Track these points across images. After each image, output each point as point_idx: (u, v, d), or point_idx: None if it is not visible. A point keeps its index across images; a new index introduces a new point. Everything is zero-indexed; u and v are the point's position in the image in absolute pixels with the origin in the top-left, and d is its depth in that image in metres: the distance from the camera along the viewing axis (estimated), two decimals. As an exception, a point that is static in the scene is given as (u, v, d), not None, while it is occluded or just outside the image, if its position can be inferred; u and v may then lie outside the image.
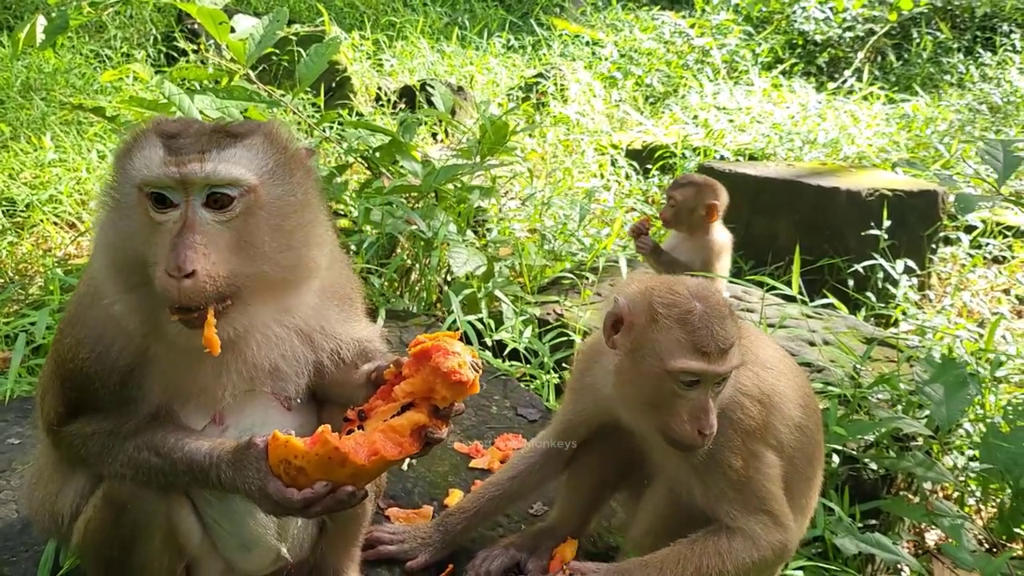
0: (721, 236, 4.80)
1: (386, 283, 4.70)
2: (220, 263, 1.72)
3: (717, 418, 2.13)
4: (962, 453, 3.87)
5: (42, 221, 6.07)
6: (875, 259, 5.68)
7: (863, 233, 5.87)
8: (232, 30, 4.95)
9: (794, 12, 12.55)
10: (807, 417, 2.38)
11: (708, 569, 2.19)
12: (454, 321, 4.12)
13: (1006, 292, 6.33)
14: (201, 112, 4.77)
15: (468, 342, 4.09)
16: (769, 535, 2.23)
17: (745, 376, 2.25)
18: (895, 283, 5.72)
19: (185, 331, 1.75)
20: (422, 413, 1.86)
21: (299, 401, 2.10)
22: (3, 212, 6.09)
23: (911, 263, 5.81)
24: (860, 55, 11.98)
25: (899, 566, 3.51)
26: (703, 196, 4.67)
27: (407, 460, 3.24)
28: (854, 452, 3.53)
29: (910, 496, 3.73)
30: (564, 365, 4.20)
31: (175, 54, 9.58)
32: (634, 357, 2.15)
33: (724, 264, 4.79)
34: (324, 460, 1.77)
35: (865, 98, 10.59)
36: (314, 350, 2.04)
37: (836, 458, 3.44)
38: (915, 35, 12.30)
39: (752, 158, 8.19)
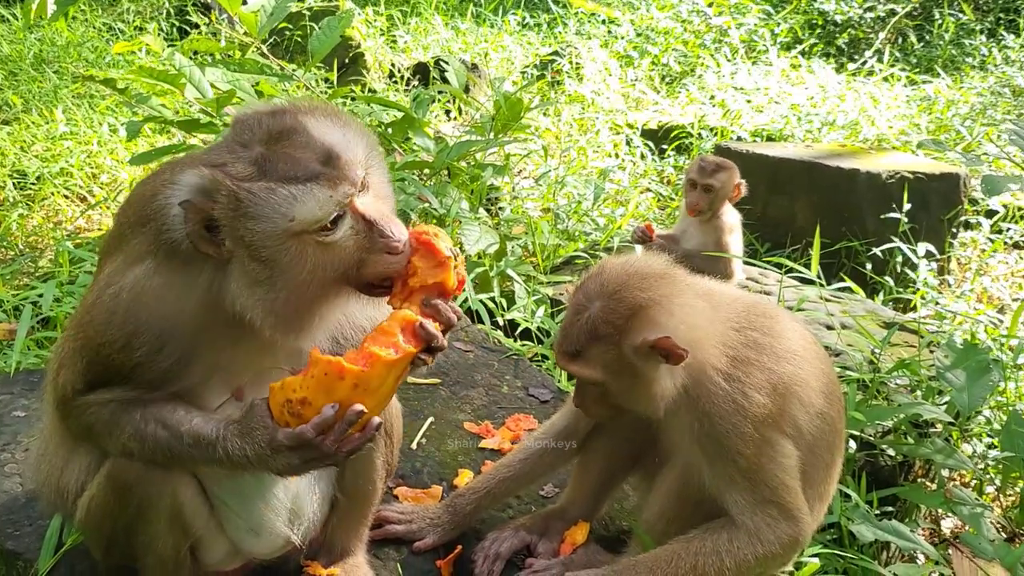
0: (730, 216, 4.73)
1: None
2: None
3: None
4: (980, 440, 3.80)
5: (53, 194, 6.04)
6: (894, 242, 5.59)
7: (882, 216, 5.76)
8: (244, 2, 4.89)
9: (814, -9, 12.36)
10: (830, 405, 2.31)
11: (705, 568, 2.14)
12: (466, 299, 4.06)
13: (1026, 278, 6.23)
14: (212, 85, 4.72)
15: (480, 322, 4.04)
16: (776, 530, 2.17)
17: (754, 369, 2.17)
18: (914, 267, 5.62)
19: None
20: (409, 310, 1.84)
21: None
22: (14, 184, 6.07)
23: (931, 247, 5.71)
24: (881, 36, 11.78)
25: (915, 554, 3.45)
26: (733, 178, 4.62)
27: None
28: (871, 438, 3.46)
29: (927, 483, 3.67)
30: (576, 346, 4.13)
31: (187, 28, 9.51)
32: None
33: (736, 241, 4.72)
34: (321, 379, 1.73)
35: (886, 80, 10.41)
36: (342, 329, 2.05)
37: (853, 444, 3.37)
38: (937, 16, 12.08)
39: (770, 139, 8.08)
